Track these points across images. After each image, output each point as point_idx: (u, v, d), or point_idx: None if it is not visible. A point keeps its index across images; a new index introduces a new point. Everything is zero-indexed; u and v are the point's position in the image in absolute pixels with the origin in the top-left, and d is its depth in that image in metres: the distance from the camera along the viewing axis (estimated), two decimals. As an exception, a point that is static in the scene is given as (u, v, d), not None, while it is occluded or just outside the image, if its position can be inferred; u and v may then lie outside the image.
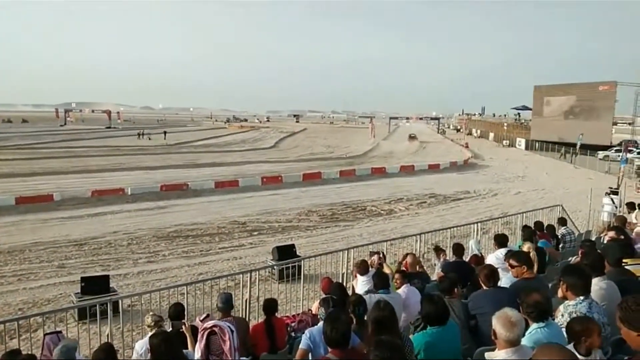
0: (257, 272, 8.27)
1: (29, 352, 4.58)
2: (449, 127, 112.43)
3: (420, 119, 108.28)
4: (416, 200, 23.88)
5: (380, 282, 5.17)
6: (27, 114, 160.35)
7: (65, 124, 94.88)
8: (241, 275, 8.33)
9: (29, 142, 54.85)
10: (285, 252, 12.15)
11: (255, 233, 17.29)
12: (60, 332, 4.81)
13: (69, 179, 29.36)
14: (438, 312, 3.69)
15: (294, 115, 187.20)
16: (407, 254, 7.26)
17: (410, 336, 3.85)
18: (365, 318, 3.83)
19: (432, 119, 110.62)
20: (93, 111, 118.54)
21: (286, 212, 20.64)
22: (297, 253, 12.44)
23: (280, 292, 10.06)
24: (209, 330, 3.13)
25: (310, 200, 23.42)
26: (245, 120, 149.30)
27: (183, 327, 4.30)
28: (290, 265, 9.69)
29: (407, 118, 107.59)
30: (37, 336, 7.88)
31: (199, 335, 3.11)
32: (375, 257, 6.89)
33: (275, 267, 10.92)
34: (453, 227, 12.25)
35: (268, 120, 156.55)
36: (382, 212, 21.20)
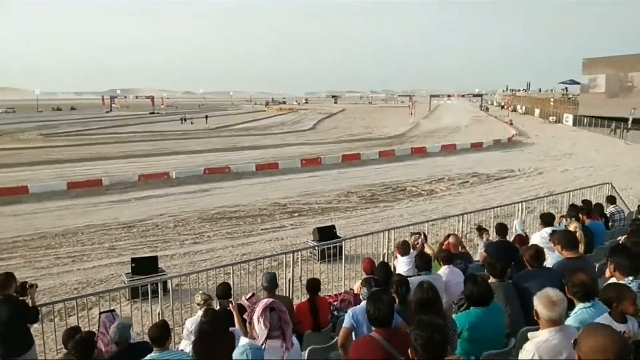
0: (299, 252, 8.40)
1: (88, 329, 4.85)
2: (492, 104, 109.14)
3: (462, 96, 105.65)
4: (458, 180, 23.46)
5: (423, 263, 5.16)
6: (71, 101, 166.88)
7: (111, 110, 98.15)
8: (284, 256, 8.50)
9: (77, 129, 57.13)
10: (326, 233, 12.27)
11: (296, 214, 17.49)
12: (114, 310, 5.08)
13: (116, 164, 30.49)
14: (481, 293, 3.67)
15: (332, 96, 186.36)
16: (448, 235, 7.19)
17: (453, 315, 3.85)
18: (409, 298, 3.85)
19: (474, 95, 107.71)
20: (137, 97, 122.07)
21: (325, 194, 20.74)
22: (338, 234, 12.53)
23: (322, 272, 10.19)
24: (269, 306, 3.24)
25: (350, 182, 23.41)
26: (284, 102, 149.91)
27: (230, 305, 4.45)
28: (331, 246, 9.80)
29: (449, 96, 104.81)
30: (92, 314, 8.32)
31: (259, 313, 3.20)
32: (416, 238, 6.86)
33: (316, 247, 11.06)
34: (496, 207, 12.00)
35: (306, 102, 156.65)
36: (422, 192, 20.98)
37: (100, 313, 4.92)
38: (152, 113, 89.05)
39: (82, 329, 4.53)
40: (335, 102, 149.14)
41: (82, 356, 3.34)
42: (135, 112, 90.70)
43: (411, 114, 69.30)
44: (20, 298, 5.12)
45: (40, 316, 5.37)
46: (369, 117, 77.67)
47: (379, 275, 4.81)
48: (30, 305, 5.16)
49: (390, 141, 43.27)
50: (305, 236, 14.24)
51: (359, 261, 7.40)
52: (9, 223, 16.78)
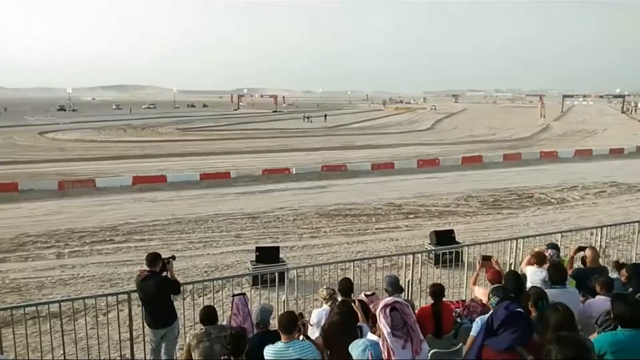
0: (419, 255, 8.27)
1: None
2: (636, 106, 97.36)
3: (601, 97, 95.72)
4: (594, 189, 21.32)
5: (557, 276, 4.79)
6: (204, 99, 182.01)
7: (238, 108, 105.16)
8: (400, 257, 8.43)
9: (208, 125, 62.20)
10: (444, 237, 11.90)
11: (411, 216, 17.22)
12: (244, 294, 5.43)
13: (242, 158, 32.66)
14: (633, 313, 3.32)
15: (453, 96, 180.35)
16: (579, 247, 6.56)
17: (592, 336, 3.54)
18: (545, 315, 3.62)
19: (615, 96, 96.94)
20: (262, 96, 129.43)
21: (443, 197, 20.12)
22: (457, 239, 12.11)
23: (437, 277, 9.92)
24: (390, 306, 3.26)
25: (470, 185, 22.45)
26: (402, 101, 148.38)
27: (354, 302, 4.54)
28: (448, 250, 9.51)
29: (584, 96, 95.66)
30: (218, 296, 9.05)
31: (381, 311, 3.25)
32: (552, 251, 6.36)
33: (433, 252, 10.81)
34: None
35: (424, 101, 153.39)
36: (552, 200, 19.40)
37: (233, 296, 5.30)
38: (275, 111, 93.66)
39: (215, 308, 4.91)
40: (456, 102, 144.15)
41: (237, 351, 3.61)
42: (259, 110, 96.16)
43: (541, 115, 64.45)
44: (163, 274, 5.75)
45: (182, 288, 5.95)
46: (493, 117, 73.90)
47: (510, 285, 4.57)
48: (170, 278, 5.78)
49: (517, 144, 40.75)
50: (421, 239, 13.95)
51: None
52: (150, 208, 18.77)
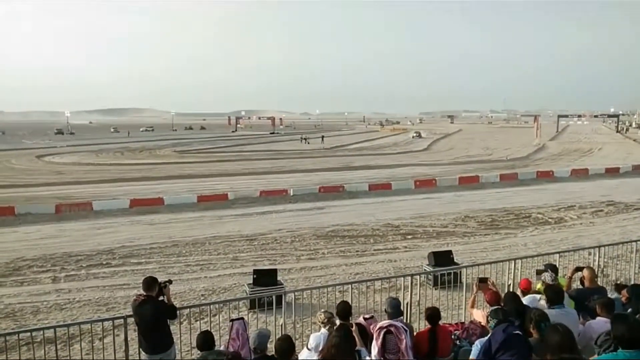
0: (417, 277, 8.23)
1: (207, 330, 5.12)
2: (630, 125, 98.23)
3: (595, 116, 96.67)
4: (590, 208, 21.37)
5: (555, 296, 4.78)
6: (202, 121, 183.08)
7: (236, 130, 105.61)
8: (399, 279, 8.38)
9: (206, 147, 62.36)
10: (443, 258, 11.86)
11: (409, 237, 17.19)
12: (243, 318, 5.39)
13: (239, 180, 32.70)
14: (633, 334, 3.30)
15: (449, 116, 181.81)
16: (576, 268, 6.55)
17: (592, 358, 3.52)
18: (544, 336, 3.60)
19: (609, 116, 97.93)
20: (259, 118, 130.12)
21: (441, 217, 20.12)
22: (455, 260, 12.06)
23: (436, 298, 9.86)
24: (385, 329, 3.25)
25: (467, 205, 22.49)
26: (398, 123, 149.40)
27: (352, 326, 4.50)
28: (446, 272, 9.46)
29: (579, 116, 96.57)
30: (215, 320, 8.94)
31: (375, 334, 3.24)
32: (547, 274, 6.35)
33: (431, 273, 10.76)
34: (637, 240, 10.69)
35: (420, 122, 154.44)
36: (549, 220, 19.42)
37: (232, 320, 5.25)
38: (272, 133, 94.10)
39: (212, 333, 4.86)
40: (452, 122, 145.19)
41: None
42: (257, 131, 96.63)
43: (536, 135, 64.93)
44: (159, 299, 5.71)
45: (178, 313, 5.90)
46: (489, 137, 74.37)
47: (508, 306, 4.55)
48: (167, 302, 5.74)
49: (513, 164, 40.92)
50: (419, 260, 13.92)
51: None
52: (147, 231, 18.70)
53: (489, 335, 3.80)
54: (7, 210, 21.67)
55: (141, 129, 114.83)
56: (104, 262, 14.58)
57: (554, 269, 6.67)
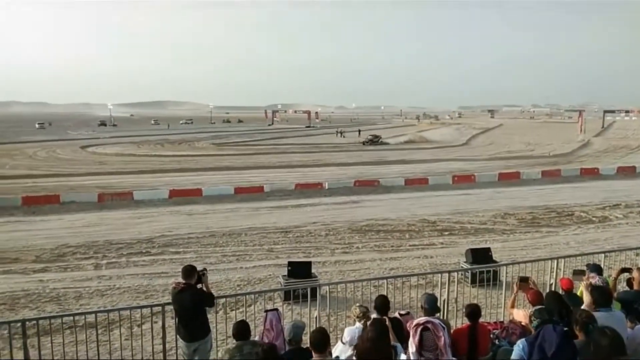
0: (455, 273, 8.07)
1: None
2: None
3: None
4: (638, 207, 20.43)
5: (602, 298, 4.55)
6: (239, 114, 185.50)
7: (272, 123, 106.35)
8: (435, 275, 8.23)
9: (243, 140, 63.15)
10: (481, 256, 11.57)
11: (446, 233, 16.88)
12: (277, 309, 5.39)
13: (275, 172, 32.95)
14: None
15: (489, 111, 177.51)
16: (622, 269, 6.24)
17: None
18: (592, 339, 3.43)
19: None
20: (295, 112, 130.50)
21: (479, 214, 19.66)
22: (493, 258, 11.76)
23: (474, 296, 9.63)
24: (422, 326, 3.16)
25: (507, 202, 21.89)
26: (436, 117, 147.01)
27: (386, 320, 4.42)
28: (484, 269, 9.23)
29: (627, 111, 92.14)
30: (250, 310, 9.04)
31: (412, 331, 3.15)
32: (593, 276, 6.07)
33: (469, 270, 10.52)
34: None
35: (459, 117, 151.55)
36: (593, 218, 18.67)
37: (267, 311, 5.26)
38: (308, 126, 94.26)
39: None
40: (492, 117, 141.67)
41: None
42: (293, 125, 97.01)
43: (580, 130, 62.54)
44: (198, 287, 5.78)
45: (215, 301, 5.98)
46: (531, 133, 72.16)
47: (551, 306, 4.37)
48: (206, 291, 5.81)
49: (555, 160, 39.59)
50: (456, 257, 13.64)
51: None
52: (186, 221, 19.08)
53: (532, 334, 3.66)
54: (53, 198, 22.58)
55: (181, 122, 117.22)
56: (144, 251, 14.97)
57: (598, 269, 6.37)
